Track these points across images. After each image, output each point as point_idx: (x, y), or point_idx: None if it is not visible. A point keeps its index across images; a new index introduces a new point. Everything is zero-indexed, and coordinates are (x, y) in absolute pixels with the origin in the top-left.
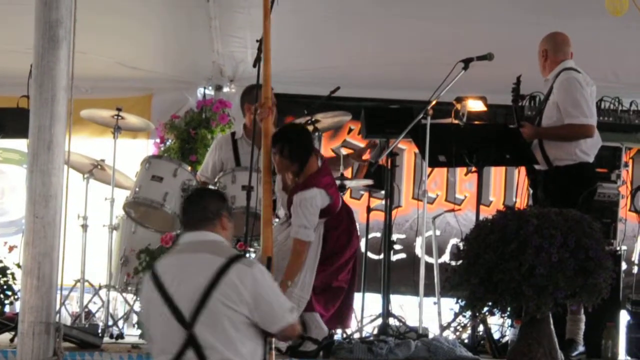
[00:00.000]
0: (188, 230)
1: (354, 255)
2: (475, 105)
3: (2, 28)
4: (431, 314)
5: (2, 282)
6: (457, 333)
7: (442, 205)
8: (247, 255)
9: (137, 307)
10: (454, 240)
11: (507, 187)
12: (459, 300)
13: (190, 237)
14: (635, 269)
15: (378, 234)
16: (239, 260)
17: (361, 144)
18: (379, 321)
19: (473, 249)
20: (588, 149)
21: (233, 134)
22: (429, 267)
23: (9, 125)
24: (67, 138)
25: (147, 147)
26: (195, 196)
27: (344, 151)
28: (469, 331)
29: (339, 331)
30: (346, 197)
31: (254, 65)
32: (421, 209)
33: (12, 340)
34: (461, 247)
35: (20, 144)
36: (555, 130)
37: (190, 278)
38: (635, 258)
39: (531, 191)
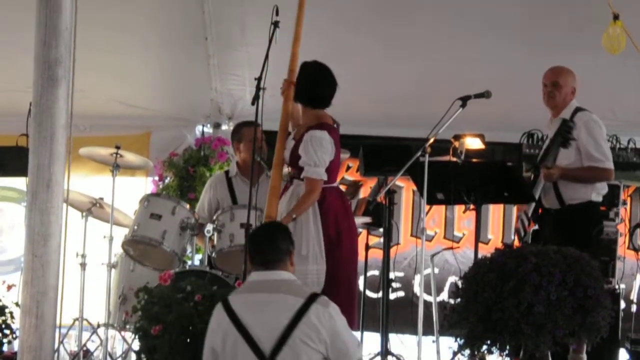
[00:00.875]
0: (261, 268)
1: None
2: (473, 143)
3: (2, 67)
4: (430, 352)
5: (0, 321)
6: None
7: (440, 243)
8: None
9: (135, 345)
10: (452, 278)
11: (505, 225)
12: (458, 339)
13: (265, 276)
14: (634, 308)
15: (376, 272)
16: (316, 300)
17: (359, 181)
18: None
19: (472, 287)
20: (601, 190)
21: (227, 172)
22: (427, 305)
23: (8, 164)
24: (66, 176)
25: (145, 184)
26: (267, 234)
27: (343, 189)
28: None
29: None
30: None
31: (252, 103)
32: (419, 247)
33: None
34: (460, 285)
35: (19, 182)
36: (578, 173)
37: (271, 317)
38: (634, 296)
39: (524, 230)
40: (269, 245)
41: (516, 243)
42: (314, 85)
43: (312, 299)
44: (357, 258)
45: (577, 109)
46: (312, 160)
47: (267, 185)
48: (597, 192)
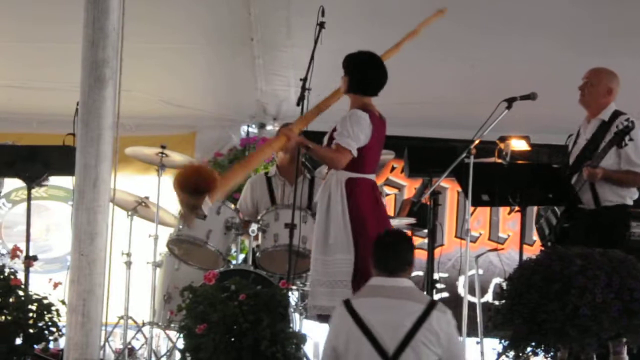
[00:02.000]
0: (384, 274)
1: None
2: (518, 145)
3: (48, 66)
4: (474, 353)
5: (46, 318)
6: None
7: (485, 244)
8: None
9: (179, 344)
10: (496, 280)
11: None
12: (502, 341)
13: (388, 282)
14: None
15: (421, 273)
16: (435, 307)
17: (404, 182)
18: None
19: (516, 288)
20: (634, 194)
21: (266, 172)
22: (471, 306)
23: (55, 163)
24: (112, 176)
25: None
26: (393, 244)
27: (387, 190)
28: None
29: None
30: None
31: (298, 104)
32: (464, 248)
33: None
34: (504, 287)
35: (65, 181)
36: (620, 176)
37: (394, 320)
38: None
39: (549, 228)
40: (394, 254)
41: (538, 242)
42: (364, 70)
43: (432, 305)
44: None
45: (617, 112)
46: (347, 131)
47: (304, 186)
48: (631, 196)
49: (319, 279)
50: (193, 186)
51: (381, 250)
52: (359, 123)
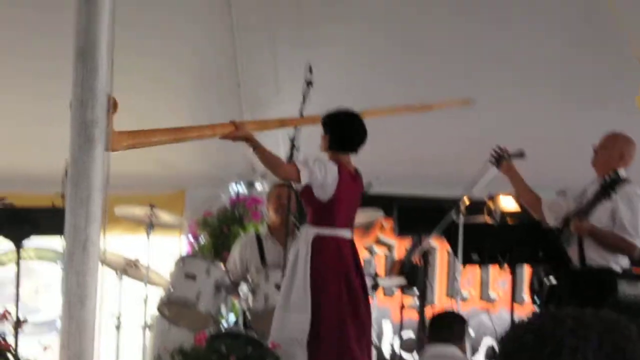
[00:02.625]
0: (437, 344)
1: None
2: (508, 203)
3: (37, 126)
4: None
5: None
6: None
7: (475, 304)
8: None
9: None
10: (487, 340)
11: None
12: None
13: (441, 350)
14: None
15: (411, 333)
16: None
17: (393, 240)
18: None
19: (508, 349)
20: (621, 261)
21: (257, 233)
22: None
23: (44, 224)
24: (102, 237)
25: (180, 243)
26: (446, 321)
27: (377, 249)
28: None
29: None
30: (379, 294)
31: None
32: (455, 308)
33: None
34: (496, 348)
35: (54, 242)
36: (606, 235)
37: None
38: None
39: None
40: (447, 329)
41: (528, 300)
42: (343, 128)
43: None
44: (344, 309)
45: (625, 181)
46: (308, 160)
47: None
48: (617, 262)
49: (277, 335)
50: None
51: (436, 326)
52: (323, 164)
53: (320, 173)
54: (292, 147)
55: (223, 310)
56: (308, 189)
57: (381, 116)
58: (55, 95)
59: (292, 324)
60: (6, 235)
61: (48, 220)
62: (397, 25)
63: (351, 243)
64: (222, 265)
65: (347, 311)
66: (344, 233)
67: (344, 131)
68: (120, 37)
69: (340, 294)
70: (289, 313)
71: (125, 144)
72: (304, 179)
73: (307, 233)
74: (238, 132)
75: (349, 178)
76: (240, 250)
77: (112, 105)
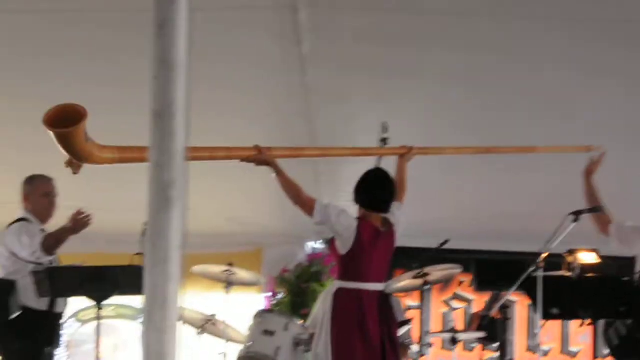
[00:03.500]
0: None
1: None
2: (587, 258)
3: (115, 187)
4: None
5: None
6: None
7: (556, 358)
8: None
9: None
10: None
11: None
12: None
13: None
14: None
15: None
16: None
17: (472, 296)
18: None
19: None
20: None
21: None
22: None
23: (123, 282)
24: (180, 295)
25: (258, 300)
26: None
27: (456, 304)
28: None
29: None
30: (459, 349)
31: None
32: None
33: None
34: None
35: (133, 299)
36: None
37: None
38: None
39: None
40: None
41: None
42: (368, 189)
43: None
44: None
45: None
46: (330, 203)
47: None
48: None
49: None
50: (62, 118)
51: None
52: (343, 213)
53: (334, 218)
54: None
55: None
56: (333, 242)
57: (485, 153)
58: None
59: None
60: (87, 295)
61: (127, 279)
62: (473, 79)
63: (379, 295)
64: (300, 321)
65: None
66: (369, 286)
67: (370, 193)
68: (196, 96)
69: (355, 347)
70: None
71: (110, 156)
72: (316, 216)
73: (332, 286)
74: (260, 156)
75: (372, 232)
76: (321, 303)
77: (82, 113)
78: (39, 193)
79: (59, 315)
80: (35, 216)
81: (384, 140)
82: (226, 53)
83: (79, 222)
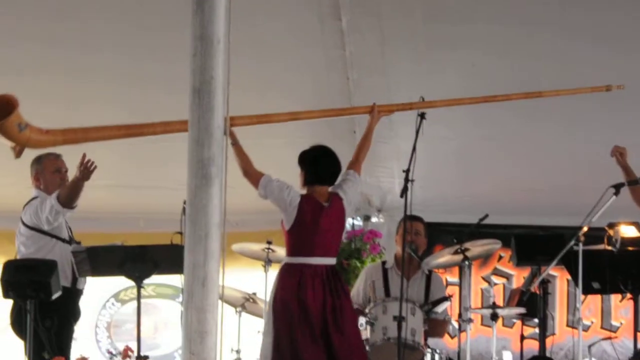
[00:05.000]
0: None
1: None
2: (628, 231)
3: (155, 166)
4: None
5: None
6: None
7: (597, 333)
8: None
9: None
10: None
11: None
12: None
13: None
14: None
15: None
16: None
17: (512, 271)
18: None
19: None
20: None
21: (384, 262)
22: None
23: (164, 262)
24: (220, 274)
25: None
26: None
27: (495, 279)
28: None
29: None
30: (498, 325)
31: (401, 195)
32: (576, 337)
33: None
34: None
35: (172, 278)
36: None
37: None
38: None
39: None
40: None
41: None
42: (316, 162)
43: None
44: (298, 335)
45: None
46: (277, 179)
47: (421, 282)
48: None
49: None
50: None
51: None
52: (287, 188)
53: (277, 193)
54: (407, 179)
55: None
56: (283, 220)
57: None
58: (172, 136)
59: (263, 347)
60: (127, 275)
61: (168, 258)
62: (511, 49)
63: (326, 269)
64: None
65: (303, 337)
66: (312, 260)
67: (309, 165)
68: (234, 75)
69: (293, 322)
70: (264, 337)
71: (51, 139)
72: (260, 190)
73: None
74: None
75: (315, 208)
76: (365, 279)
77: (11, 102)
78: (49, 170)
79: (80, 292)
80: (48, 194)
81: (422, 116)
82: (266, 29)
83: (86, 169)
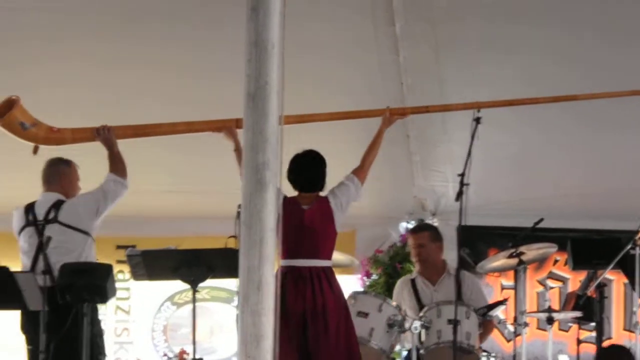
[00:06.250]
0: None
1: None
2: None
3: (210, 170)
4: None
5: None
6: None
7: None
8: None
9: None
10: None
11: None
12: None
13: None
14: None
15: None
16: None
17: (568, 275)
18: None
19: None
20: None
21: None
22: None
23: (218, 266)
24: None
25: (352, 282)
26: (614, 355)
27: (551, 283)
28: None
29: None
30: (554, 329)
31: (456, 199)
32: (633, 341)
33: None
34: None
35: (227, 282)
36: None
37: None
38: None
39: None
40: None
41: None
42: (289, 170)
43: None
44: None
45: None
46: None
47: (449, 283)
48: None
49: None
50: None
51: None
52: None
53: None
54: (462, 183)
55: (396, 347)
56: None
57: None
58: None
59: None
60: (182, 278)
61: (222, 262)
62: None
63: (307, 272)
64: (394, 302)
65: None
66: (295, 263)
67: (290, 172)
68: (288, 80)
69: (280, 325)
70: None
71: (60, 137)
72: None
73: None
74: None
75: (293, 210)
76: (396, 293)
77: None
78: (76, 177)
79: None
80: (67, 197)
81: (477, 120)
82: (319, 33)
83: (108, 135)
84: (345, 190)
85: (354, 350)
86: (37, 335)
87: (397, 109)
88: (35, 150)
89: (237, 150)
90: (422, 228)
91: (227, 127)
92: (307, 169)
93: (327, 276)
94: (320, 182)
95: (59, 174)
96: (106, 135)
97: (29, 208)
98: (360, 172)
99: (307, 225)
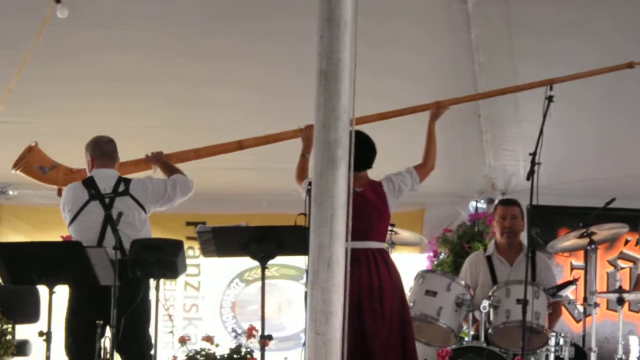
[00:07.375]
0: None
1: None
2: None
3: (280, 147)
4: None
5: None
6: None
7: None
8: None
9: None
10: None
11: None
12: None
13: None
14: None
15: None
16: None
17: (638, 255)
18: None
19: None
20: None
21: (485, 250)
22: None
23: (288, 243)
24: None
25: (420, 260)
26: None
27: (622, 263)
28: None
29: None
30: (624, 309)
31: (527, 178)
32: None
33: None
34: None
35: (296, 259)
36: None
37: None
38: None
39: None
40: None
41: None
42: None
43: None
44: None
45: None
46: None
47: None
48: None
49: None
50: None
51: None
52: None
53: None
54: (533, 162)
55: (464, 326)
56: None
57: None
58: (296, 119)
59: None
60: (252, 255)
61: (292, 239)
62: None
63: (362, 254)
64: (462, 281)
65: None
66: (353, 245)
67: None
68: (360, 59)
69: None
70: None
71: (80, 176)
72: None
73: None
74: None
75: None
76: (468, 269)
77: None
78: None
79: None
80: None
81: (549, 98)
82: (391, 12)
83: (158, 155)
84: (401, 177)
85: (408, 329)
86: (105, 309)
87: (445, 101)
88: (59, 193)
89: (304, 156)
90: (514, 202)
91: (308, 128)
92: (358, 145)
93: (383, 258)
94: (371, 158)
95: (116, 153)
96: (156, 156)
97: (89, 183)
98: (421, 168)
99: (360, 207)
